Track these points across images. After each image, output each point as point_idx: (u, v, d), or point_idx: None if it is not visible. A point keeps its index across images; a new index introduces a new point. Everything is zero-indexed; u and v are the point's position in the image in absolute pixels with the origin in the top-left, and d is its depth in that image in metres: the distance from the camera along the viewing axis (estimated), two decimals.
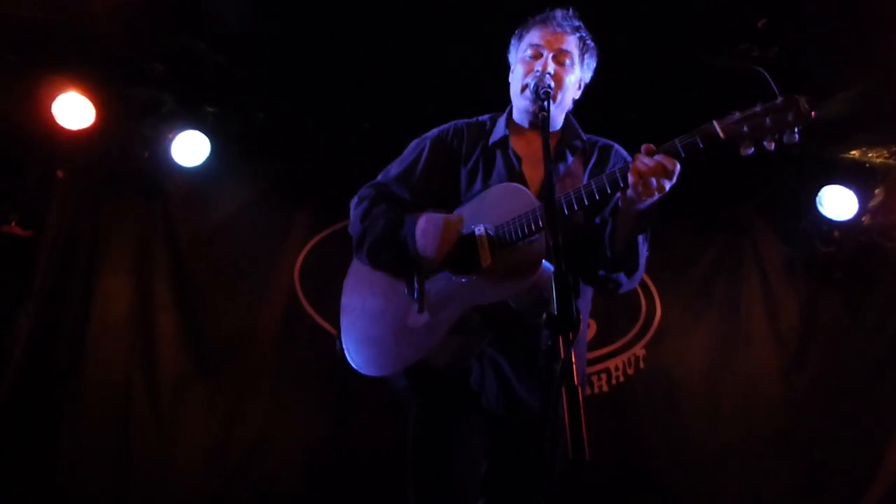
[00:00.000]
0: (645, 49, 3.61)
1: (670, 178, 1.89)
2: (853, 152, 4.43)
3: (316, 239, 4.74)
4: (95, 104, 4.20)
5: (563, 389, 1.30)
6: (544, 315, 1.39)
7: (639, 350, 4.68)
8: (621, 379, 4.64)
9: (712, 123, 1.85)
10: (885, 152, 4.39)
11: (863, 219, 4.45)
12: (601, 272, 2.14)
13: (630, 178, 1.90)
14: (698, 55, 3.46)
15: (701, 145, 1.86)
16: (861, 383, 4.54)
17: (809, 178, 4.49)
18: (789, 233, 4.73)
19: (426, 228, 2.13)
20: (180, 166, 4.44)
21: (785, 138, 1.79)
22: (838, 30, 3.47)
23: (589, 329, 4.66)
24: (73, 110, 4.16)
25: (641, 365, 4.66)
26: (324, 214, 4.67)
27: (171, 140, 4.39)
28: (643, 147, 1.93)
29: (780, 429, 4.48)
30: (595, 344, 4.65)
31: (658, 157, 1.87)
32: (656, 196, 1.91)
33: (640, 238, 2.08)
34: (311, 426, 4.40)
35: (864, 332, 4.64)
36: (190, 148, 4.42)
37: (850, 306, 4.67)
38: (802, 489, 4.41)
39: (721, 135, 1.84)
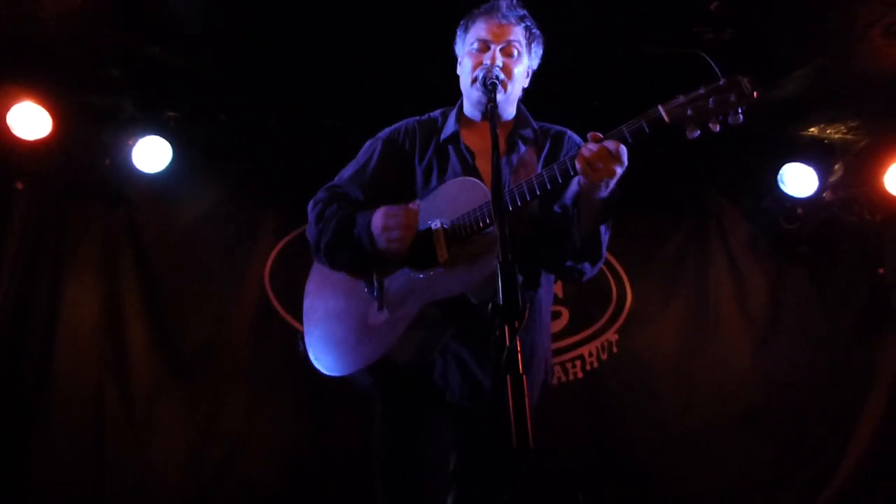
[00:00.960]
0: (600, 36, 3.63)
1: (618, 162, 1.90)
2: (812, 129, 4.49)
3: (285, 240, 4.71)
4: (52, 113, 4.12)
5: (508, 378, 1.30)
6: (489, 305, 1.40)
7: (611, 335, 4.72)
8: (595, 365, 4.68)
9: (657, 108, 1.87)
10: (842, 128, 4.45)
11: (824, 194, 4.54)
12: (568, 262, 2.16)
13: (578, 166, 1.92)
14: (642, 42, 3.48)
15: (647, 130, 1.88)
16: (829, 358, 4.64)
17: (771, 156, 4.55)
18: (754, 211, 4.81)
19: (388, 223, 2.11)
20: (143, 173, 4.38)
21: (729, 119, 1.81)
22: (791, 10, 3.50)
23: (561, 317, 4.70)
24: (29, 120, 4.07)
25: (614, 350, 4.70)
26: (292, 215, 4.64)
27: (131, 146, 4.33)
28: (589, 135, 1.95)
29: (752, 407, 4.57)
30: (568, 331, 4.69)
31: (604, 143, 1.88)
32: (609, 182, 1.93)
33: (602, 227, 2.11)
34: (287, 429, 4.38)
35: (831, 307, 4.73)
36: (151, 154, 4.35)
37: (816, 282, 4.76)
38: (776, 465, 4.50)
39: (666, 118, 1.86)
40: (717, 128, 1.82)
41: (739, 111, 1.80)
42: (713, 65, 1.82)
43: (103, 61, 4.03)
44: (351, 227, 2.20)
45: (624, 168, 1.93)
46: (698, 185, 4.83)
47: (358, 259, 2.21)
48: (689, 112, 1.83)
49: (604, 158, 1.88)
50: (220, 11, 3.63)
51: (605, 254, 2.18)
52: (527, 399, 1.29)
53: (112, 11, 3.62)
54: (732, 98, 1.79)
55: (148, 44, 3.87)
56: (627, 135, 1.89)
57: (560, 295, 4.67)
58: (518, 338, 1.37)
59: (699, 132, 1.84)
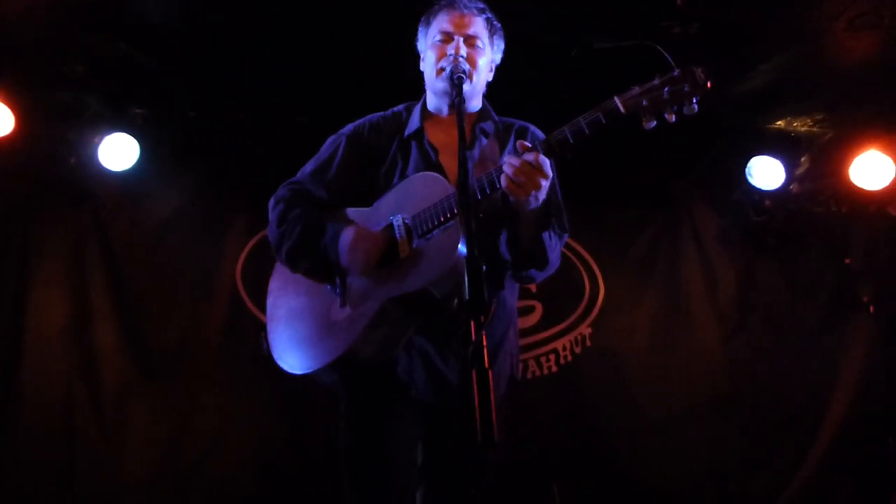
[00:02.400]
0: (567, 30, 3.64)
1: (542, 174, 1.89)
2: (779, 123, 4.56)
3: (256, 237, 4.66)
4: (14, 110, 4.04)
5: (474, 373, 1.30)
6: (455, 301, 1.40)
7: (584, 329, 4.75)
8: (569, 358, 4.71)
9: (613, 99, 1.88)
10: (808, 121, 4.52)
11: (791, 186, 4.60)
12: (519, 270, 2.16)
13: (503, 183, 1.92)
14: (598, 36, 3.50)
15: (603, 121, 1.88)
16: (798, 347, 4.72)
17: (739, 150, 4.60)
18: (723, 204, 4.87)
19: (354, 246, 2.12)
20: (109, 171, 4.31)
21: (685, 109, 1.82)
22: (756, 4, 3.54)
23: (534, 312, 4.72)
24: None
25: (588, 343, 4.73)
26: (263, 212, 4.54)
27: (97, 144, 4.27)
28: (518, 144, 1.95)
29: (724, 396, 4.63)
30: (541, 326, 4.71)
31: (524, 156, 1.88)
32: (537, 195, 1.92)
33: (546, 235, 2.08)
34: (261, 428, 4.36)
35: (800, 297, 4.81)
36: (119, 151, 4.29)
37: (785, 272, 4.83)
38: (747, 453, 4.57)
39: (622, 109, 1.86)
40: (673, 118, 1.83)
41: (694, 101, 1.81)
42: (666, 56, 1.83)
43: (67, 57, 3.96)
44: (319, 235, 2.20)
45: (549, 179, 1.92)
46: (669, 180, 4.88)
47: (321, 267, 2.20)
48: (644, 103, 1.83)
49: (525, 172, 1.88)
50: (187, 7, 3.58)
51: (554, 259, 2.16)
52: (492, 394, 1.30)
53: (76, 7, 3.55)
54: (687, 88, 1.80)
55: (114, 40, 3.81)
56: (584, 126, 1.89)
57: (533, 290, 4.70)
58: (484, 332, 1.37)
59: (655, 122, 1.85)
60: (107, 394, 4.32)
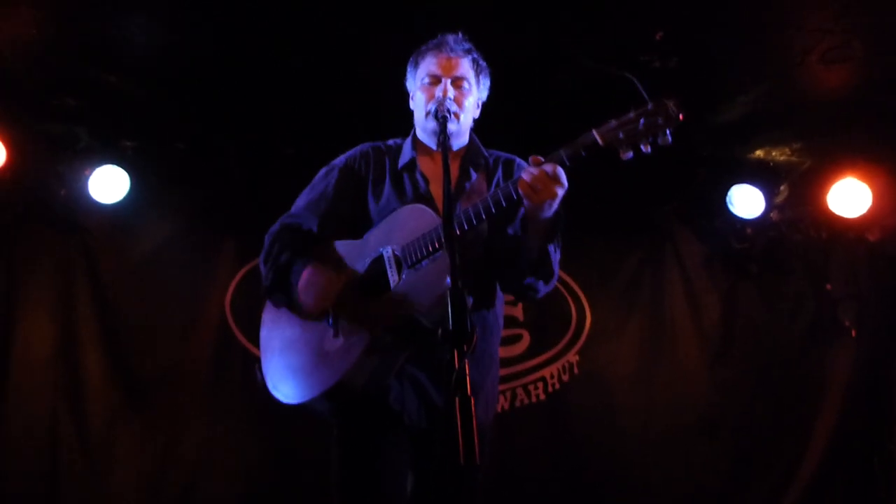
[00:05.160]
0: (549, 65, 3.74)
1: (558, 184, 1.99)
2: (758, 152, 4.65)
3: (246, 268, 4.69)
4: (5, 142, 4.07)
5: (456, 400, 1.35)
6: (439, 331, 1.44)
7: (572, 356, 4.79)
8: (557, 386, 4.74)
9: (591, 132, 1.97)
10: (787, 150, 4.62)
11: (771, 214, 4.69)
12: (523, 281, 2.24)
13: (520, 190, 2.00)
14: (578, 64, 3.60)
15: (583, 153, 1.98)
16: (782, 372, 4.77)
17: (720, 179, 4.69)
18: (706, 232, 4.94)
19: (306, 289, 2.20)
20: (99, 203, 4.34)
21: (659, 140, 1.90)
22: (733, 38, 3.66)
23: (522, 340, 4.76)
24: None
25: (576, 371, 4.77)
26: (252, 242, 4.55)
27: (87, 176, 4.30)
28: (530, 158, 2.04)
29: (710, 420, 4.66)
30: (529, 354, 4.75)
31: (543, 166, 1.98)
32: (552, 203, 2.02)
33: (551, 247, 2.18)
34: (248, 457, 4.36)
35: (782, 322, 4.87)
36: (108, 183, 4.33)
37: (767, 298, 4.90)
38: (734, 477, 4.61)
39: (600, 142, 1.95)
40: (649, 149, 1.91)
41: (668, 133, 1.89)
42: (641, 89, 1.91)
43: (58, 90, 4.01)
44: (287, 274, 2.27)
45: (565, 189, 2.02)
46: (652, 209, 4.96)
47: (296, 305, 2.26)
48: (620, 135, 1.92)
49: (543, 181, 1.97)
50: (176, 40, 3.64)
51: (557, 272, 2.27)
52: (474, 419, 1.34)
53: (67, 40, 3.61)
54: (660, 121, 1.88)
55: (104, 73, 3.86)
56: (565, 158, 1.99)
57: (521, 318, 4.75)
58: (472, 358, 1.42)
59: (632, 153, 1.93)
60: (93, 423, 4.31)
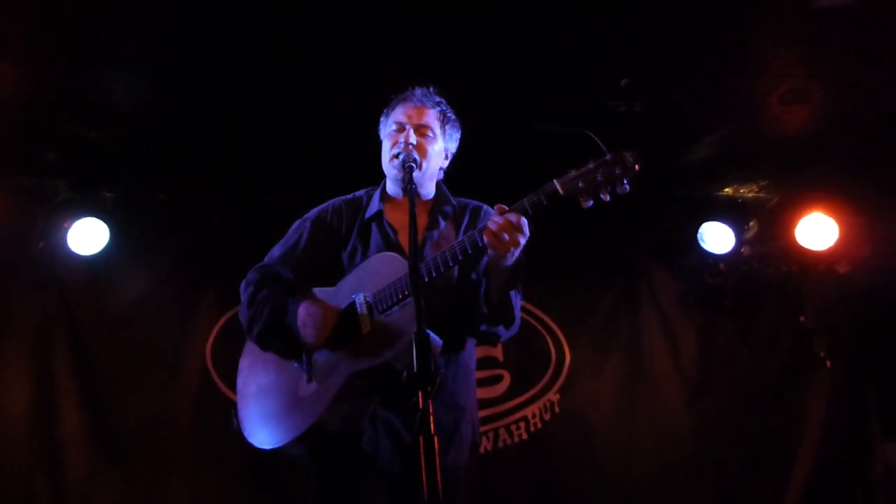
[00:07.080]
0: (518, 115, 3.85)
1: (521, 232, 2.06)
2: (726, 190, 4.79)
3: (226, 317, 4.70)
4: None
5: (420, 439, 1.38)
6: (404, 374, 1.49)
7: (553, 395, 4.81)
8: (539, 425, 4.75)
9: (553, 182, 2.04)
10: (754, 187, 4.76)
11: (742, 250, 4.79)
12: (482, 327, 2.29)
13: (485, 238, 2.07)
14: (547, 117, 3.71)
15: (545, 202, 2.04)
16: (760, 405, 4.82)
17: (691, 217, 4.80)
18: (680, 269, 5.03)
19: (305, 320, 2.25)
20: (78, 255, 4.35)
21: (617, 190, 1.97)
22: (696, 83, 3.79)
23: (502, 380, 4.79)
24: None
25: (557, 409, 4.79)
26: (232, 292, 4.58)
27: (67, 229, 4.32)
28: (495, 207, 2.12)
29: (691, 456, 4.69)
30: (510, 394, 4.78)
31: (507, 216, 2.05)
32: (514, 251, 2.08)
33: (513, 293, 2.24)
34: None
35: (758, 355, 4.94)
36: (87, 236, 4.34)
37: (742, 332, 4.97)
38: None
39: (561, 191, 2.02)
40: (608, 198, 1.98)
41: (625, 182, 1.95)
42: (598, 142, 1.98)
43: (37, 144, 4.06)
44: (283, 315, 2.31)
45: (527, 238, 2.08)
46: (626, 248, 5.05)
47: (291, 345, 2.30)
48: (580, 185, 1.99)
49: (507, 230, 2.04)
50: (154, 92, 3.71)
51: (519, 317, 2.31)
52: (437, 458, 1.37)
53: (45, 95, 3.67)
54: (618, 171, 1.95)
55: (83, 127, 3.92)
56: (528, 207, 2.06)
57: (500, 359, 4.78)
58: (439, 401, 1.46)
59: (592, 202, 2.00)
60: (70, 479, 4.26)
